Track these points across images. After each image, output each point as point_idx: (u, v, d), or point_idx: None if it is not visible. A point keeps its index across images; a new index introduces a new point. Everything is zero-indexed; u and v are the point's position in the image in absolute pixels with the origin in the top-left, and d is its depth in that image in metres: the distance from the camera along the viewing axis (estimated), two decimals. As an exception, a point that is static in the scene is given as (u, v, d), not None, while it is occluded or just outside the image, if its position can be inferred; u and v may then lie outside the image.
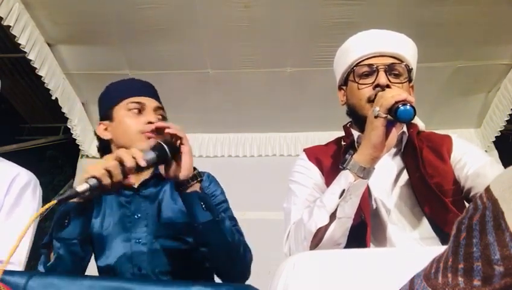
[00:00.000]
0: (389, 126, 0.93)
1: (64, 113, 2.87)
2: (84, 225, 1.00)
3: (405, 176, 1.09)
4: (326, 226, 0.94)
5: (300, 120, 3.17)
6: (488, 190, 0.41)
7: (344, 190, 0.94)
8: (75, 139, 3.13)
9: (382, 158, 1.08)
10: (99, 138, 1.31)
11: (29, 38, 2.34)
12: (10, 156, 1.47)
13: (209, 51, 2.65)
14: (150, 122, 1.20)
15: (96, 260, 1.17)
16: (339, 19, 2.40)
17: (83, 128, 3.13)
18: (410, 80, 1.15)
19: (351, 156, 0.96)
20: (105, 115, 1.28)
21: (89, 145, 3.26)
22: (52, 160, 3.93)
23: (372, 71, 1.09)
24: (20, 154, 2.91)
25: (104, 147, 1.30)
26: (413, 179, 1.06)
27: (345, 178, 0.95)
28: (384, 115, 0.90)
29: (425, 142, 1.13)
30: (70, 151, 3.46)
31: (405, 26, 2.34)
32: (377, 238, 1.03)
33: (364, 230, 0.99)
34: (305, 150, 1.24)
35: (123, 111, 1.25)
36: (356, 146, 1.14)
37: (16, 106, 3.54)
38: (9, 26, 2.18)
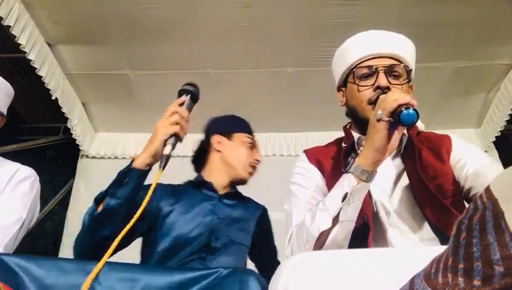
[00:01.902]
0: (391, 129, 0.92)
1: (64, 113, 2.87)
2: (135, 191, 1.11)
3: (405, 177, 1.08)
4: (329, 230, 0.94)
5: (300, 120, 3.17)
6: (488, 190, 0.41)
7: (347, 193, 0.93)
8: (75, 139, 3.13)
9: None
10: (203, 145, 1.61)
11: (29, 38, 2.34)
12: (10, 156, 1.48)
13: (209, 51, 2.65)
14: (256, 160, 1.57)
15: (158, 241, 1.34)
16: (339, 19, 2.40)
17: (83, 128, 3.13)
18: (409, 81, 1.15)
19: (354, 160, 0.96)
20: (226, 133, 1.58)
21: (89, 145, 3.26)
22: (52, 160, 3.93)
23: (372, 73, 1.09)
24: (20, 154, 2.91)
25: (202, 154, 1.60)
26: (412, 181, 1.05)
27: (347, 181, 0.95)
28: (387, 119, 0.90)
29: (424, 143, 1.12)
30: (70, 151, 3.46)
31: (405, 26, 2.35)
32: (376, 240, 1.03)
33: (366, 233, 0.98)
34: (305, 151, 1.24)
35: (242, 140, 1.57)
36: (356, 147, 1.14)
37: (16, 106, 3.54)
38: (9, 26, 2.18)
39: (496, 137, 3.09)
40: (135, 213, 1.15)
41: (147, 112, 3.11)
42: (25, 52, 2.35)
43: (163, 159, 1.01)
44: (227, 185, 1.54)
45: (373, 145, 0.92)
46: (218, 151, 1.55)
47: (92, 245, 1.09)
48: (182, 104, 1.12)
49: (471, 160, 1.06)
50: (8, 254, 0.88)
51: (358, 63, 1.12)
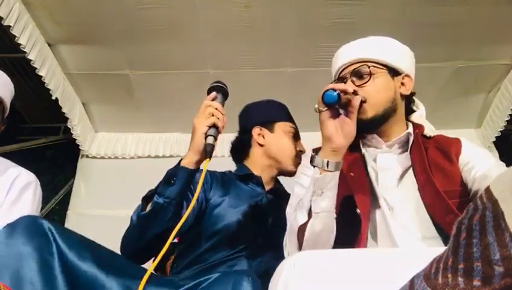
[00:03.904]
0: (336, 116, 0.99)
1: (64, 113, 2.86)
2: (184, 190, 1.12)
3: (410, 175, 1.09)
4: (306, 223, 0.97)
5: (300, 120, 3.15)
6: (488, 190, 0.41)
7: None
8: (75, 139, 3.13)
9: (388, 157, 1.11)
10: (244, 137, 1.53)
11: (30, 39, 2.34)
12: (10, 156, 1.48)
13: (209, 51, 2.65)
14: (300, 151, 1.47)
15: (205, 233, 1.31)
16: (339, 19, 2.40)
17: (83, 128, 3.13)
18: (396, 74, 1.16)
19: (316, 154, 1.00)
20: (267, 124, 1.51)
21: (89, 145, 3.26)
22: (52, 160, 3.93)
23: (345, 82, 1.15)
24: (21, 154, 2.91)
25: (242, 146, 1.51)
26: (419, 179, 1.06)
27: (313, 174, 0.99)
28: (322, 109, 1.00)
29: (432, 144, 1.14)
30: (70, 151, 3.45)
31: (405, 26, 2.35)
32: (378, 235, 1.03)
33: (359, 225, 0.99)
34: (312, 150, 1.26)
35: (284, 129, 1.50)
36: (361, 145, 1.17)
37: (16, 106, 3.54)
38: (10, 26, 2.18)
39: (496, 137, 3.08)
40: (183, 211, 1.17)
41: (147, 112, 3.12)
42: (25, 52, 2.34)
43: (207, 148, 1.07)
44: (273, 178, 1.49)
45: (323, 135, 1.00)
46: (261, 144, 1.48)
47: (139, 244, 1.10)
48: (213, 100, 1.15)
49: (480, 163, 1.06)
50: (45, 219, 0.93)
51: (337, 75, 1.20)
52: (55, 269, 0.85)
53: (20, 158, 1.54)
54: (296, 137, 1.52)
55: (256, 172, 1.47)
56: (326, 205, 0.96)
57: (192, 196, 1.32)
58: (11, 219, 1.27)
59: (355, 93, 1.02)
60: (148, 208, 1.11)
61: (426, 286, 0.46)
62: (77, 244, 0.90)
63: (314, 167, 0.99)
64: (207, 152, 1.06)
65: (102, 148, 3.28)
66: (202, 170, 1.06)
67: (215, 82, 1.19)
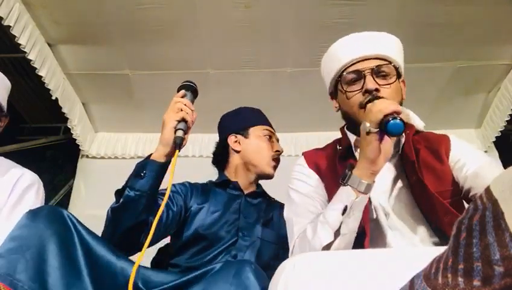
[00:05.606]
0: (381, 137, 0.93)
1: (64, 113, 2.86)
2: (155, 184, 1.13)
3: (404, 178, 1.08)
4: (331, 243, 0.94)
5: (300, 120, 3.16)
6: (488, 190, 0.41)
7: (346, 206, 0.93)
8: (75, 139, 3.13)
9: None
10: (221, 147, 1.58)
11: (30, 39, 2.34)
12: (10, 156, 1.48)
13: (209, 51, 2.65)
14: (277, 151, 1.52)
15: (188, 239, 1.35)
16: (339, 19, 2.40)
17: (83, 128, 3.13)
18: (399, 77, 1.14)
19: (351, 171, 0.95)
20: (242, 130, 1.55)
21: (89, 145, 3.26)
22: (52, 160, 3.93)
23: (359, 77, 1.08)
24: (21, 154, 2.91)
25: (222, 155, 1.56)
26: (412, 181, 1.05)
27: (346, 195, 0.94)
28: (375, 130, 0.91)
29: (423, 143, 1.12)
30: (70, 151, 3.45)
31: (405, 26, 2.35)
32: (376, 243, 1.02)
33: (363, 238, 0.98)
34: (303, 155, 1.24)
35: (259, 133, 1.54)
36: (354, 150, 1.14)
37: (16, 106, 3.54)
38: (10, 26, 2.18)
39: (496, 137, 3.08)
40: (157, 205, 1.19)
41: (147, 112, 3.12)
42: (25, 52, 2.34)
43: (177, 141, 1.08)
44: (253, 183, 1.53)
45: (367, 157, 0.93)
46: (237, 151, 1.53)
47: (115, 238, 1.12)
48: (183, 97, 1.18)
49: (471, 160, 1.05)
50: (65, 210, 1.00)
51: (345, 69, 1.11)
52: (75, 251, 0.92)
53: (20, 158, 1.54)
54: (271, 139, 1.55)
55: (233, 178, 1.52)
56: (353, 225, 0.95)
57: (173, 201, 1.34)
58: (14, 220, 1.26)
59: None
60: (120, 201, 1.12)
61: (426, 286, 0.46)
62: (92, 233, 0.98)
63: (345, 184, 0.96)
64: (177, 144, 1.08)
65: (102, 148, 3.28)
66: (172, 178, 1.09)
67: (185, 81, 1.22)
